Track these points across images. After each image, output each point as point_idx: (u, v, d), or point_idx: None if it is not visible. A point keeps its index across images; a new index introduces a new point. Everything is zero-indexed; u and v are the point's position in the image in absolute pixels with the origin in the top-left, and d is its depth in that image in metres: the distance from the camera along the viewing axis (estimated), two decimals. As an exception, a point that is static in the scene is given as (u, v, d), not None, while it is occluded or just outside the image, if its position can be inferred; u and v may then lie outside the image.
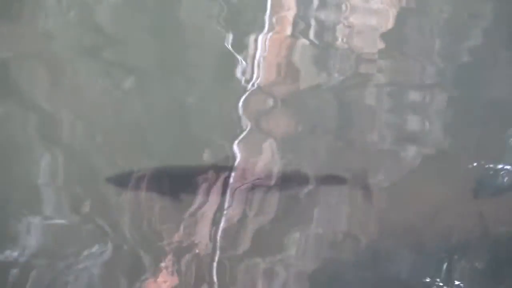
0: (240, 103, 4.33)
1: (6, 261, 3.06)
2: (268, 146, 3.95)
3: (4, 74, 4.35)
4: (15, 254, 3.10)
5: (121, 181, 3.65)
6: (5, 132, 3.90)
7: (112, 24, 4.98)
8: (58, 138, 3.92)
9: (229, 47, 4.84)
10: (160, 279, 3.17)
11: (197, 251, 3.34)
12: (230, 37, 4.96)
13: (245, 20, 5.27)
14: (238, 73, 4.70)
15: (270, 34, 5.06)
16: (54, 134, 3.92)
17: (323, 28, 5.31)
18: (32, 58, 4.52)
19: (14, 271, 3.00)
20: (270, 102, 4.44)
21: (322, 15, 5.42)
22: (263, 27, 5.11)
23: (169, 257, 3.26)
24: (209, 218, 3.51)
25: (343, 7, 5.57)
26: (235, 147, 3.85)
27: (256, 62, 4.75)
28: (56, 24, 4.95)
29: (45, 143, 3.83)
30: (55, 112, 4.05)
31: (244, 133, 4.03)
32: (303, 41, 5.08)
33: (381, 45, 5.19)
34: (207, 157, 3.79)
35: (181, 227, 3.42)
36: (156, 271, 3.18)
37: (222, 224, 3.48)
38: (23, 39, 4.65)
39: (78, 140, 3.93)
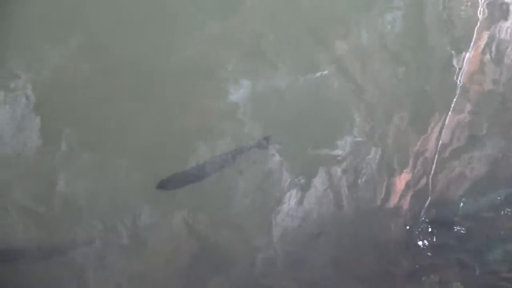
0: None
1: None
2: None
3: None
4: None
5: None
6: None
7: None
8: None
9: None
10: (402, 175, 5.23)
11: (426, 155, 5.24)
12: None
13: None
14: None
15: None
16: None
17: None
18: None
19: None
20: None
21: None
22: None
23: (410, 160, 5.21)
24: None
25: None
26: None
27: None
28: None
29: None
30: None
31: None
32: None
33: None
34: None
35: (419, 143, 5.20)
36: (401, 170, 5.23)
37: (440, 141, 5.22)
38: None
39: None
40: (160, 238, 4.90)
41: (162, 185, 4.73)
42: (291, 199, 5.04)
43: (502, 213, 5.09)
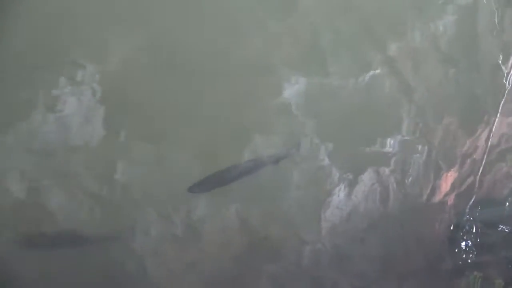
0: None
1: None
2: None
3: None
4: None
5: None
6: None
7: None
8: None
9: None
10: (448, 174, 5.39)
11: (474, 156, 5.39)
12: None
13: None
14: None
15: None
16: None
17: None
18: None
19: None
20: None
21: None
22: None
23: (458, 160, 5.37)
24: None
25: None
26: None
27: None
28: None
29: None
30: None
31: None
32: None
33: None
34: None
35: (467, 144, 5.36)
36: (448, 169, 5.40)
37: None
38: None
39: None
40: (214, 228, 5.10)
41: (195, 189, 4.80)
42: (340, 192, 5.22)
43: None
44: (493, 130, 5.39)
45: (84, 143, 4.93)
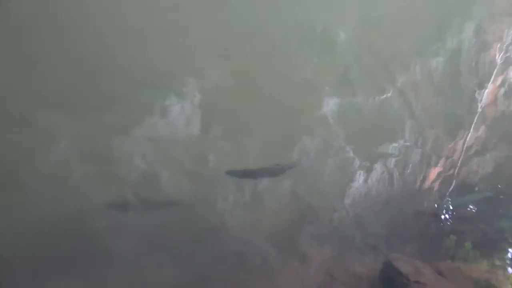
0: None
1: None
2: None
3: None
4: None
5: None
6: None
7: None
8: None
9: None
10: (436, 168, 7.75)
11: (454, 157, 7.76)
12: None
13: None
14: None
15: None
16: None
17: None
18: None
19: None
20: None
21: None
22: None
23: (443, 158, 7.73)
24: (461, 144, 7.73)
25: None
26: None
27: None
28: None
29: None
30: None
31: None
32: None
33: None
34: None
35: (449, 147, 7.72)
36: (436, 164, 7.76)
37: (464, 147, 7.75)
38: None
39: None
40: (273, 198, 7.38)
41: (231, 173, 6.73)
42: (359, 177, 7.55)
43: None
44: (467, 139, 7.73)
45: (186, 137, 7.19)
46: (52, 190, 6.65)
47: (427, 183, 7.81)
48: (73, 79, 6.54)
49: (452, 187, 7.88)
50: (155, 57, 6.83)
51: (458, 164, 7.80)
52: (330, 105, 7.44)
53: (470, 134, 7.80)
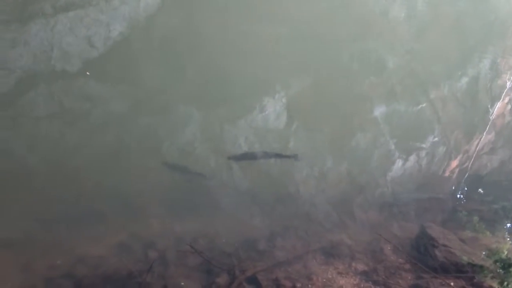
0: None
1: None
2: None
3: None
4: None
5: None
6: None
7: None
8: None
9: None
10: (455, 160, 10.43)
11: (469, 152, 10.45)
12: None
13: None
14: None
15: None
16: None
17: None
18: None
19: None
20: None
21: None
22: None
23: (461, 153, 10.40)
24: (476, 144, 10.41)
25: None
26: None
27: None
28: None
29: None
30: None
31: None
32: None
33: None
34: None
35: (467, 146, 10.41)
36: (455, 157, 10.45)
37: (478, 146, 10.41)
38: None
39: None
40: (333, 174, 10.15)
41: (231, 157, 8.73)
42: (398, 163, 10.28)
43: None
44: (481, 141, 10.40)
45: (275, 127, 10.08)
46: (183, 158, 9.23)
47: (448, 172, 10.50)
48: (202, 81, 8.99)
49: (466, 175, 10.57)
50: (259, 69, 9.37)
51: (472, 159, 10.48)
52: (379, 110, 10.17)
53: (483, 137, 10.44)
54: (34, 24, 8.02)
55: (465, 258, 6.78)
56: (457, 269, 6.85)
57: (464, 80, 10.27)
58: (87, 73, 8.26)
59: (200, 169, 8.90)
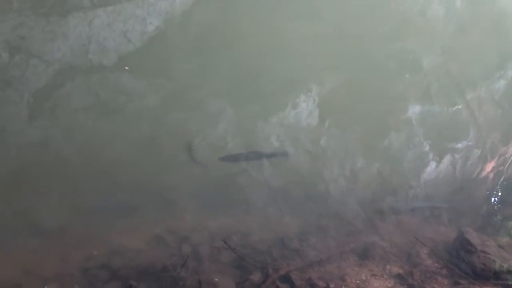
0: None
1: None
2: None
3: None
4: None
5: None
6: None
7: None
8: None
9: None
10: (490, 163, 10.16)
11: (506, 156, 10.15)
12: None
13: None
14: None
15: None
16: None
17: None
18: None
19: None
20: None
21: None
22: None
23: (496, 157, 10.11)
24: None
25: None
26: None
27: None
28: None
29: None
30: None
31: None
32: None
33: None
34: None
35: (503, 149, 10.10)
36: (491, 160, 10.16)
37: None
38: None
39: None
40: (364, 174, 9.97)
41: (222, 159, 8.32)
42: (432, 165, 10.04)
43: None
44: None
45: (307, 125, 9.95)
46: (213, 154, 9.10)
47: (483, 175, 10.22)
48: (236, 77, 8.94)
49: (502, 179, 10.26)
50: (292, 66, 9.24)
51: (508, 162, 10.16)
52: (414, 110, 9.95)
53: (520, 141, 10.11)
54: (72, 17, 7.94)
55: (505, 266, 6.56)
56: (495, 276, 6.60)
57: (502, 81, 9.93)
58: (126, 68, 8.20)
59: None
